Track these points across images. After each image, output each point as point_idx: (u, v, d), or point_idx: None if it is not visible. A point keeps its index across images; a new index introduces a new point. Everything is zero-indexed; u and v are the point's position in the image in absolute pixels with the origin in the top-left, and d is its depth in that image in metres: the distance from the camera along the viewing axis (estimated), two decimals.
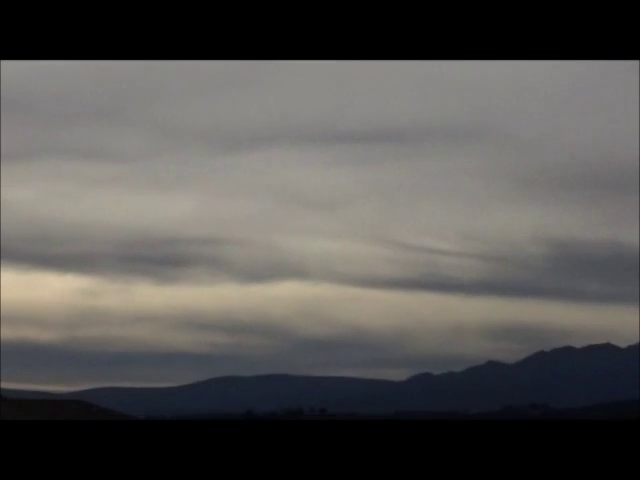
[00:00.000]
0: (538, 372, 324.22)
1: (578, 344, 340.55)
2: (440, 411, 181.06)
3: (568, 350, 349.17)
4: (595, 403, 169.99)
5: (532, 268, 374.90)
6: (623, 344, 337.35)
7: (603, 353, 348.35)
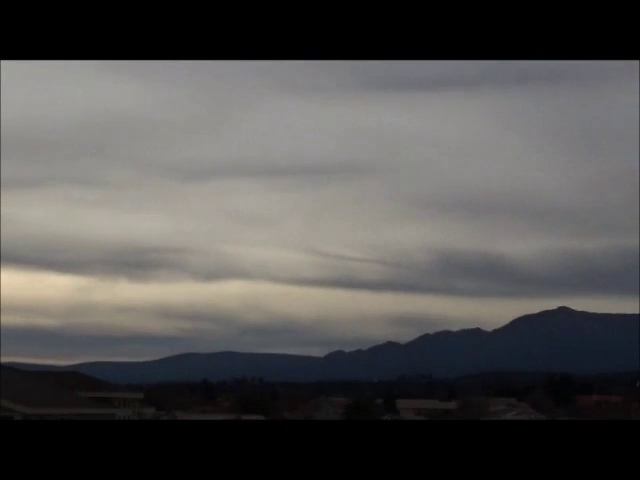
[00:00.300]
0: (424, 350, 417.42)
1: (454, 328, 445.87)
2: (349, 379, 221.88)
3: (447, 333, 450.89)
4: (468, 374, 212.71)
5: (420, 271, 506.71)
6: (489, 328, 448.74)
7: (474, 335, 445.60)
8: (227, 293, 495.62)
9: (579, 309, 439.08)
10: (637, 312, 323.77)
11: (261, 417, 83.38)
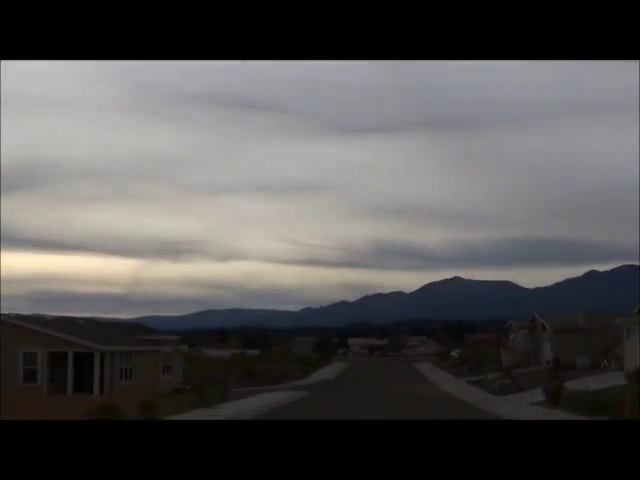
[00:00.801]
0: (366, 305, 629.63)
1: (385, 291, 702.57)
2: (314, 325, 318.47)
3: (380, 294, 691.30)
4: (394, 321, 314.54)
5: (363, 254, 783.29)
6: (408, 291, 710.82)
7: (398, 295, 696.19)
8: (234, 269, 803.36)
9: (467, 277, 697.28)
10: (505, 279, 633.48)
11: (258, 351, 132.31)
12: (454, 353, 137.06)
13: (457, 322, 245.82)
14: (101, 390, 47.48)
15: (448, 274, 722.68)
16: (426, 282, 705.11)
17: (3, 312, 53.69)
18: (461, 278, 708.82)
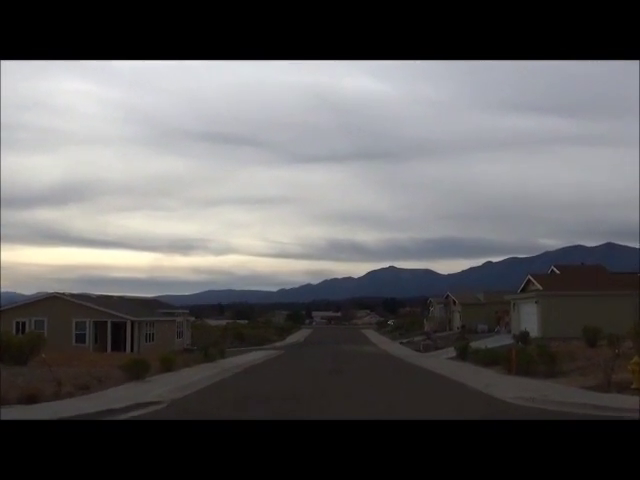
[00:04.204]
0: (325, 287, 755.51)
1: (339, 276, 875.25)
2: (287, 302, 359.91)
3: (335, 279, 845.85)
4: (346, 298, 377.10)
5: (320, 249, 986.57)
6: (355, 276, 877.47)
7: (348, 279, 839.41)
8: (228, 260, 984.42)
9: (398, 266, 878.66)
10: (426, 267, 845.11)
11: (246, 321, 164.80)
12: (390, 322, 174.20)
13: (391, 299, 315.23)
14: (132, 349, 61.64)
15: (384, 264, 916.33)
16: (369, 270, 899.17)
17: (60, 291, 67.80)
18: (394, 267, 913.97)
